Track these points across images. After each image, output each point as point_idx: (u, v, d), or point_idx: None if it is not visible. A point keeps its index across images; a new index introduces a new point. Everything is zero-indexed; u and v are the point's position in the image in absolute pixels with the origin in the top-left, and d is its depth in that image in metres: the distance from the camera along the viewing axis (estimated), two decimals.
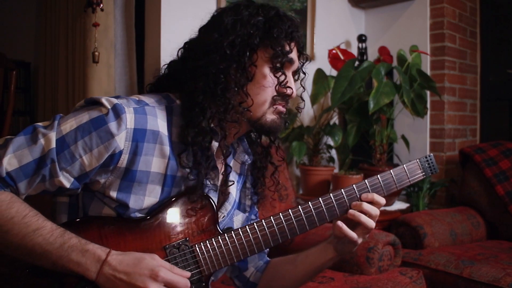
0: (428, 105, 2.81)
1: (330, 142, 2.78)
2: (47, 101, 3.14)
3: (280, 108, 1.06)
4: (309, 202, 1.07)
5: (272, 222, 1.04)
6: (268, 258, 1.28)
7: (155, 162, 0.97)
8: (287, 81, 1.04)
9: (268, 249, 1.24)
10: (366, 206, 1.06)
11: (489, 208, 2.50)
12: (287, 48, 1.04)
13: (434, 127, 2.97)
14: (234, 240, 1.02)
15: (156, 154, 0.97)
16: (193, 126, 0.99)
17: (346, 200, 1.07)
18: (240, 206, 1.20)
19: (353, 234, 1.06)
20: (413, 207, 2.75)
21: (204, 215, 1.03)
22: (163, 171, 0.99)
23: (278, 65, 1.03)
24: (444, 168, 2.93)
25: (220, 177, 1.13)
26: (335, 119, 2.96)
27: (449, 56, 2.95)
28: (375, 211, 1.06)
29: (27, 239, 0.87)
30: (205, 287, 1.02)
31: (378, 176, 1.09)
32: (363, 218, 1.05)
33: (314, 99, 2.68)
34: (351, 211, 1.06)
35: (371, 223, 1.06)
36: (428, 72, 2.93)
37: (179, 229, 1.01)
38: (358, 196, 1.08)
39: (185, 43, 1.10)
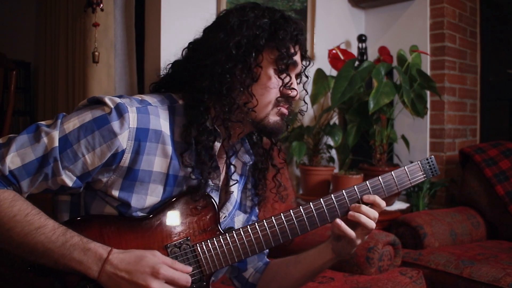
0: (428, 105, 2.82)
1: (330, 142, 2.78)
2: (47, 101, 3.15)
3: (283, 110, 1.06)
4: (310, 203, 1.07)
5: (273, 222, 1.05)
6: (267, 259, 1.29)
7: (157, 161, 0.97)
8: (291, 83, 1.05)
9: (268, 250, 1.24)
10: (365, 208, 1.06)
11: (489, 208, 2.50)
12: (292, 50, 1.05)
13: (434, 127, 2.97)
14: (235, 239, 1.03)
15: (158, 153, 0.97)
16: (197, 125, 1.00)
17: (347, 201, 1.07)
18: (241, 207, 1.21)
19: (351, 233, 1.06)
20: (413, 207, 2.75)
21: (205, 214, 1.03)
22: (165, 171, 0.99)
23: (282, 67, 1.03)
24: (444, 168, 2.93)
25: (222, 177, 1.13)
26: (335, 119, 2.96)
27: (449, 56, 2.95)
28: (373, 213, 1.07)
29: (29, 237, 0.87)
30: (206, 287, 1.02)
31: (379, 177, 1.10)
32: (363, 218, 1.05)
33: (314, 99, 2.68)
34: (351, 212, 1.06)
35: (371, 224, 1.06)
36: (428, 72, 2.93)
37: (180, 228, 1.01)
38: (359, 197, 1.08)
39: (190, 43, 1.10)
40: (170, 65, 1.11)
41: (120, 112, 0.93)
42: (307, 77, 1.15)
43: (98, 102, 0.97)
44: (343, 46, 2.91)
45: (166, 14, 2.29)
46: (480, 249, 2.16)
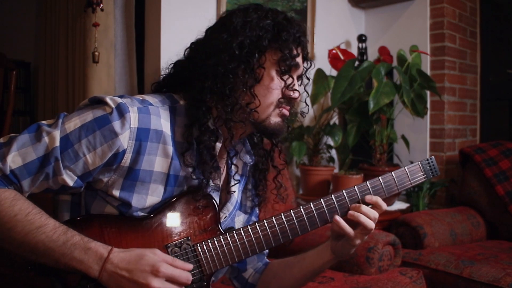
0: (428, 105, 2.82)
1: (330, 142, 2.78)
2: (47, 101, 3.15)
3: (284, 111, 1.06)
4: (311, 203, 1.07)
5: (274, 222, 1.05)
6: (267, 260, 1.29)
7: (158, 161, 0.98)
8: (294, 84, 1.05)
9: (268, 250, 1.24)
10: (365, 208, 1.06)
11: (489, 208, 2.50)
12: (295, 52, 1.05)
13: (434, 127, 2.97)
14: (235, 239, 1.03)
15: (159, 153, 0.98)
16: (199, 125, 1.00)
17: (348, 201, 1.08)
18: (241, 207, 1.21)
19: (350, 230, 1.06)
20: (413, 207, 2.75)
21: (206, 214, 1.04)
22: (166, 171, 0.99)
23: (285, 68, 1.03)
24: (444, 168, 2.93)
25: (222, 177, 1.13)
26: (335, 119, 2.96)
27: (449, 56, 2.95)
28: (373, 214, 1.07)
29: (30, 237, 0.87)
30: (206, 286, 1.02)
31: (380, 177, 1.10)
32: (363, 218, 1.05)
33: (314, 99, 2.68)
34: (351, 211, 1.06)
35: (370, 224, 1.06)
36: (428, 72, 2.93)
37: (181, 228, 1.01)
38: (359, 197, 1.08)
39: (192, 43, 1.10)
40: (172, 64, 1.11)
41: (121, 112, 0.93)
42: (308, 79, 1.15)
43: (99, 102, 0.97)
44: (343, 46, 2.91)
45: (166, 14, 2.29)
46: (480, 249, 2.16)
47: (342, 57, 2.72)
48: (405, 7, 3.06)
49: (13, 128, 3.44)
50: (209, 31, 1.09)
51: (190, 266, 0.97)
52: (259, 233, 1.04)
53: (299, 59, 1.07)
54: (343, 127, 2.87)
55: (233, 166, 1.14)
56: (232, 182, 1.14)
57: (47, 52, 3.16)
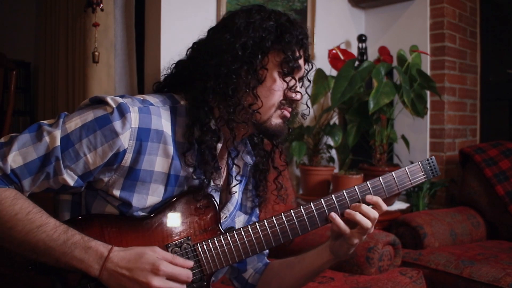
0: (428, 105, 2.82)
1: (330, 142, 2.78)
2: (47, 101, 3.15)
3: (286, 113, 1.06)
4: (311, 203, 1.07)
5: (274, 222, 1.05)
6: (267, 260, 1.29)
7: (159, 161, 0.98)
8: (296, 86, 1.05)
9: (268, 251, 1.24)
10: (365, 207, 1.06)
11: (489, 208, 2.50)
12: (297, 54, 1.05)
13: (434, 127, 2.97)
14: (236, 239, 1.03)
15: (159, 153, 0.98)
16: (200, 125, 1.00)
17: (348, 202, 1.08)
18: (241, 208, 1.21)
19: (345, 228, 1.06)
20: (413, 207, 2.75)
21: (206, 214, 1.04)
22: (166, 171, 0.99)
23: (287, 70, 1.03)
24: (444, 168, 2.94)
25: (223, 177, 1.13)
26: (335, 119, 2.96)
27: (449, 56, 2.95)
28: (373, 213, 1.06)
29: (30, 235, 0.87)
30: (207, 286, 1.03)
31: (380, 177, 1.10)
32: (358, 217, 1.05)
33: (314, 99, 2.68)
34: (347, 210, 1.07)
35: (367, 223, 1.05)
36: (428, 72, 2.93)
37: (181, 228, 1.01)
38: (359, 197, 1.08)
39: (194, 43, 1.10)
40: (174, 64, 1.11)
41: (122, 112, 0.93)
42: (309, 81, 1.15)
43: (100, 102, 0.97)
44: (343, 46, 2.92)
45: (166, 14, 2.29)
46: (480, 249, 2.16)
47: (342, 57, 2.72)
48: (405, 7, 3.06)
49: (13, 128, 3.44)
50: (212, 31, 1.09)
51: (191, 264, 0.97)
52: (259, 233, 1.04)
53: (301, 61, 1.07)
54: (343, 127, 2.87)
55: (234, 166, 1.13)
56: (234, 182, 1.14)
57: (47, 52, 3.16)
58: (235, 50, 1.00)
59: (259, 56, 1.01)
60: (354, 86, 2.50)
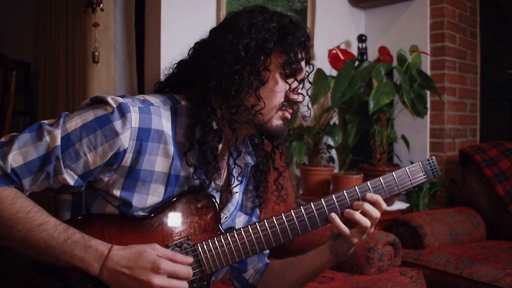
0: (428, 105, 2.82)
1: (330, 142, 2.78)
2: (47, 101, 3.15)
3: (287, 114, 1.07)
4: (311, 203, 1.07)
5: (274, 222, 1.05)
6: (267, 261, 1.29)
7: (159, 161, 0.98)
8: (298, 88, 1.06)
9: (268, 251, 1.24)
10: (368, 206, 1.06)
11: (489, 208, 2.50)
12: (299, 56, 1.05)
13: (434, 127, 2.97)
14: (236, 239, 1.03)
15: (160, 153, 0.98)
16: (202, 125, 1.00)
17: (348, 201, 1.08)
18: (242, 208, 1.21)
19: (344, 228, 1.06)
20: (413, 207, 2.75)
21: (206, 214, 1.04)
22: (166, 171, 0.99)
23: (289, 71, 1.04)
24: (444, 168, 2.94)
25: (223, 178, 1.13)
26: (335, 119, 2.96)
27: (449, 56, 2.95)
28: (375, 213, 1.06)
29: (31, 234, 0.87)
30: (207, 286, 1.03)
31: (380, 177, 1.10)
32: (358, 216, 1.05)
33: (314, 99, 2.68)
34: (347, 209, 1.07)
35: (366, 222, 1.05)
36: (428, 72, 2.93)
37: (181, 228, 1.01)
38: (360, 197, 1.08)
39: (196, 43, 1.10)
40: (175, 64, 1.11)
41: (122, 111, 0.93)
42: (310, 83, 1.15)
43: (100, 102, 0.97)
44: (343, 46, 2.92)
45: (166, 14, 2.29)
46: (480, 249, 2.16)
47: (342, 57, 2.72)
48: (405, 7, 3.06)
49: (13, 128, 3.44)
50: (214, 31, 1.08)
51: (191, 259, 0.97)
52: (259, 233, 1.04)
53: (303, 63, 1.07)
54: (343, 127, 2.87)
55: (236, 167, 1.13)
56: (235, 183, 1.14)
57: (47, 52, 3.17)
58: (238, 50, 1.00)
59: (262, 57, 1.01)
60: (354, 86, 2.50)
